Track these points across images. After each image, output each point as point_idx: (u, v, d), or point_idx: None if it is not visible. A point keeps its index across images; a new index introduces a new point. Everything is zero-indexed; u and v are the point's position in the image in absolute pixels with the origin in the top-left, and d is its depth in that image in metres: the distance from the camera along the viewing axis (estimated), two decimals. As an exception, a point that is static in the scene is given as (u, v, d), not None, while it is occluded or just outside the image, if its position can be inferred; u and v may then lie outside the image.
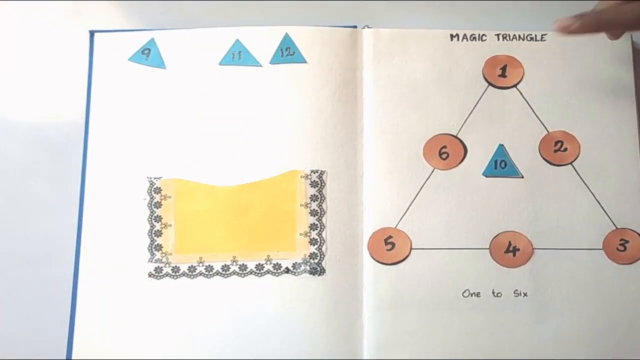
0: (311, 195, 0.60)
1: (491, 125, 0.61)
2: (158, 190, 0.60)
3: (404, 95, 0.62)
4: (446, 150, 0.61)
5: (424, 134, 0.61)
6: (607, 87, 0.62)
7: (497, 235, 0.60)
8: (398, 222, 0.60)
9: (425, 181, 0.60)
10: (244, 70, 0.62)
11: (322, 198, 0.60)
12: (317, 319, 0.58)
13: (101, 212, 0.60)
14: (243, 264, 0.59)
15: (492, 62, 0.63)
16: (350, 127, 0.61)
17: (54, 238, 0.60)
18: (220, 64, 0.62)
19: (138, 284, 0.59)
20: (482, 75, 0.62)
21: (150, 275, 0.59)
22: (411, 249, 0.59)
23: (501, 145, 0.61)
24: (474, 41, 0.63)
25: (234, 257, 0.59)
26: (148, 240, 0.59)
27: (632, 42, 0.63)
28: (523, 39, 0.63)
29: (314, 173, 0.60)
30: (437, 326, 0.58)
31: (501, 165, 0.61)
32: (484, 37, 0.63)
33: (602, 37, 0.62)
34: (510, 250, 0.59)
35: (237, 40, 0.62)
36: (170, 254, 0.59)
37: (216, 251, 0.59)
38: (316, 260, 0.59)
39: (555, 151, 0.61)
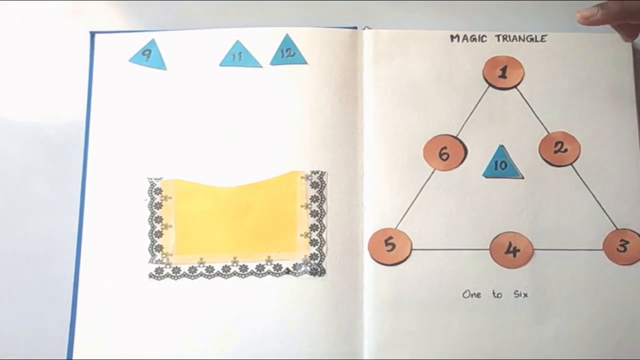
0: (311, 196, 0.60)
1: (491, 126, 0.61)
2: (159, 191, 0.60)
3: (404, 96, 0.62)
4: (446, 151, 0.61)
5: (424, 134, 0.61)
6: (607, 88, 0.62)
7: (497, 236, 0.60)
8: (398, 223, 0.60)
9: (426, 182, 0.60)
10: (245, 71, 0.62)
11: (323, 199, 0.60)
12: (318, 320, 0.58)
13: (102, 213, 0.60)
14: (243, 265, 0.59)
15: (492, 62, 0.63)
16: (351, 128, 0.61)
17: (54, 238, 0.60)
18: (221, 64, 0.62)
19: (139, 284, 0.59)
20: (482, 76, 0.62)
21: (150, 276, 0.59)
22: (411, 249, 0.59)
23: (501, 146, 0.61)
24: (474, 42, 0.63)
25: (235, 257, 0.59)
26: (149, 241, 0.59)
27: (632, 43, 0.63)
28: (523, 40, 0.63)
29: (315, 174, 0.60)
30: (438, 327, 0.58)
31: (501, 166, 0.61)
32: (484, 38, 0.63)
33: (602, 37, 0.62)
34: (510, 251, 0.59)
35: (238, 41, 0.62)
36: (171, 254, 0.59)
37: (217, 252, 0.59)
38: (317, 261, 0.59)
39: (556, 152, 0.61)
